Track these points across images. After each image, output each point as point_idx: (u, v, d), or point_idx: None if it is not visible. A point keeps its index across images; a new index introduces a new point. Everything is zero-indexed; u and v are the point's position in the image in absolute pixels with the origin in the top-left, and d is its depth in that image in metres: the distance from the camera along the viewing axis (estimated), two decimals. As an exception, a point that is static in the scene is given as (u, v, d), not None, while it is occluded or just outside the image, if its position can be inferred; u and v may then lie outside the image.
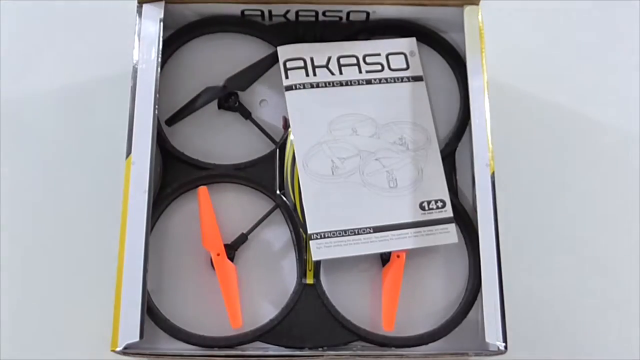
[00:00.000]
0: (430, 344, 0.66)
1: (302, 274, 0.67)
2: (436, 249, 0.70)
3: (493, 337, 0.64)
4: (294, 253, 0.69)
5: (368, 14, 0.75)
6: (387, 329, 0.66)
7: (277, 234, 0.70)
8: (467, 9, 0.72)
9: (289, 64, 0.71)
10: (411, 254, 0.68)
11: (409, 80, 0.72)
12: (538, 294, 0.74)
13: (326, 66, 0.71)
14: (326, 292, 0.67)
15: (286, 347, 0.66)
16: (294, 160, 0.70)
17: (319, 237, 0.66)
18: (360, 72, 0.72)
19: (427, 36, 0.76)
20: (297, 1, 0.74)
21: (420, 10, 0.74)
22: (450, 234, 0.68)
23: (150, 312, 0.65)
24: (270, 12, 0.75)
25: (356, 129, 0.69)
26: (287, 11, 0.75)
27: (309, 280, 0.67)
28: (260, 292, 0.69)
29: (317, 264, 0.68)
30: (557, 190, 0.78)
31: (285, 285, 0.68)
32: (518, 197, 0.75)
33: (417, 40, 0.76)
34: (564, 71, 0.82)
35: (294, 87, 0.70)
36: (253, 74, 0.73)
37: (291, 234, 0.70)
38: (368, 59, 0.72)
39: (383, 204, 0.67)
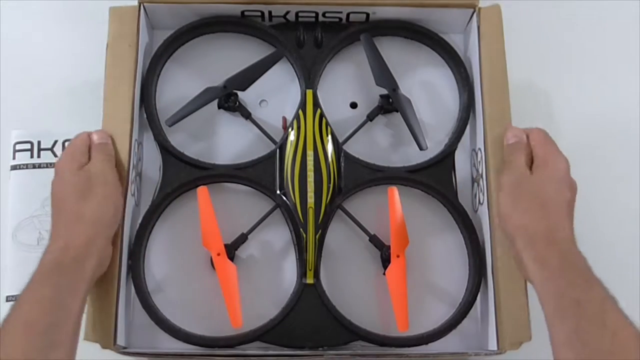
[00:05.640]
0: (430, 344, 0.66)
1: (302, 274, 0.67)
2: (436, 250, 0.70)
3: (493, 337, 0.64)
4: (294, 253, 0.69)
5: (368, 14, 0.75)
6: (402, 330, 0.65)
7: (277, 234, 0.70)
8: (483, 11, 0.72)
9: (18, 147, 0.74)
10: (411, 254, 0.68)
11: None
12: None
13: (51, 149, 0.75)
14: (326, 292, 0.67)
15: (286, 347, 0.66)
16: (294, 160, 0.70)
17: (14, 299, 0.68)
18: None
19: (428, 37, 0.76)
20: (297, 2, 0.74)
21: (420, 11, 0.75)
22: None
23: (150, 312, 0.65)
24: (270, 12, 0.75)
25: None
26: (287, 12, 0.75)
27: (309, 280, 0.67)
28: (260, 292, 0.69)
29: (317, 263, 0.68)
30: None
31: (285, 285, 0.69)
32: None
33: (418, 40, 0.77)
34: (564, 71, 0.82)
35: (19, 167, 0.74)
36: (253, 74, 0.73)
37: (291, 234, 0.70)
38: None
39: None
